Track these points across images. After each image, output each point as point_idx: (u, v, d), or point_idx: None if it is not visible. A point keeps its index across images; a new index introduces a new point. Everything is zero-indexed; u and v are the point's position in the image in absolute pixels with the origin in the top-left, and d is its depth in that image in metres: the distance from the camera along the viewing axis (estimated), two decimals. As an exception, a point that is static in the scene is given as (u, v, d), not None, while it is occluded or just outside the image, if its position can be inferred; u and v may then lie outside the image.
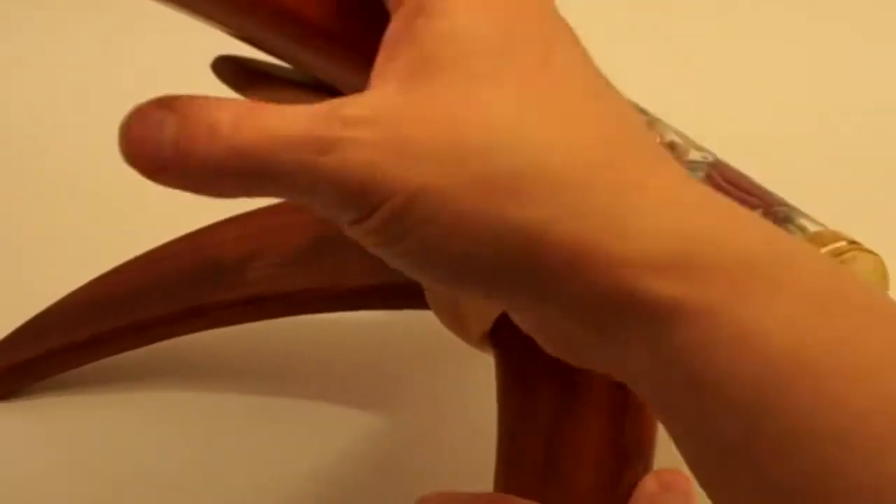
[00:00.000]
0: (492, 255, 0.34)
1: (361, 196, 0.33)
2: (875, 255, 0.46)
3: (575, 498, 0.48)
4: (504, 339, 0.53)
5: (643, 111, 0.51)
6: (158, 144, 0.33)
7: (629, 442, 0.48)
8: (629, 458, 0.48)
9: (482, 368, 0.52)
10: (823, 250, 0.45)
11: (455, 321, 0.54)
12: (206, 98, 0.33)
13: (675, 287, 0.33)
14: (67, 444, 0.60)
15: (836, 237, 0.46)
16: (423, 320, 0.55)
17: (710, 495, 0.35)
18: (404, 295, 0.57)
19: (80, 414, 0.61)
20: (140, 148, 0.33)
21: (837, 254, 0.45)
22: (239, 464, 0.59)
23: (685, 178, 0.35)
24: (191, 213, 0.56)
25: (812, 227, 0.46)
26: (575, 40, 0.36)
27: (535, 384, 0.51)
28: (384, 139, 0.33)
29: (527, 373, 0.52)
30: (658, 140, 0.50)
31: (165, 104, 0.33)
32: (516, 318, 0.40)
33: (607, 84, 0.36)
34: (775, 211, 0.47)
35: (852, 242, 0.46)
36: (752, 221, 0.34)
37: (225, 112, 0.33)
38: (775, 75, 0.80)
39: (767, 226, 0.35)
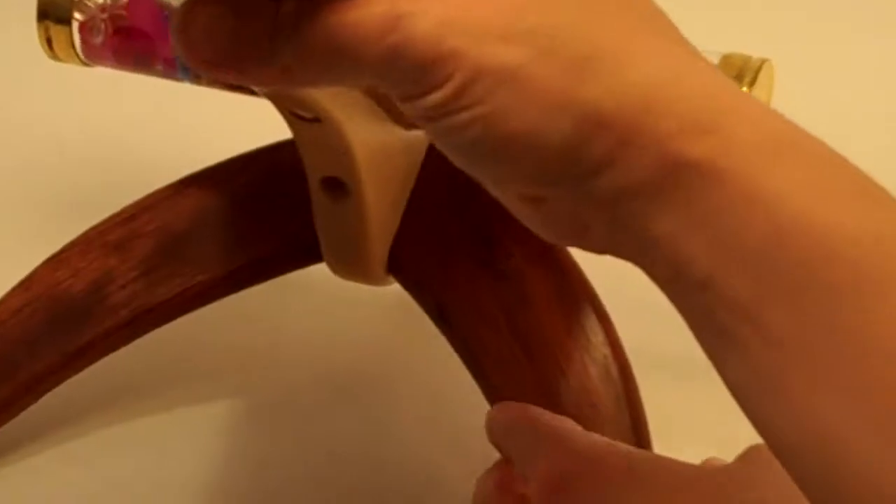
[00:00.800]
0: (549, 132, 0.35)
1: (430, 69, 0.35)
2: (767, 59, 0.54)
3: (557, 359, 0.53)
4: (405, 265, 0.57)
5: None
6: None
7: (576, 289, 0.55)
8: (579, 301, 0.55)
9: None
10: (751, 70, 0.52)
11: (353, 268, 0.57)
12: None
13: (714, 150, 0.35)
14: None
15: (744, 56, 0.53)
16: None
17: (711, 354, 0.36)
18: (274, 265, 0.60)
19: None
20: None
21: (756, 67, 0.52)
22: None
23: (704, 59, 0.39)
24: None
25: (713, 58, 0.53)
26: None
27: (465, 295, 0.56)
28: (451, 13, 0.35)
29: (452, 292, 0.56)
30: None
31: None
32: (526, 211, 0.41)
33: None
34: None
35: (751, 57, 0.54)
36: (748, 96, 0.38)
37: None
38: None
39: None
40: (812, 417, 0.33)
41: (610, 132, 0.35)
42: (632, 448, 0.48)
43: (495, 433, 0.50)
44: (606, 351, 0.55)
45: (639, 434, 0.54)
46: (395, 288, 0.60)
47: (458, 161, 0.38)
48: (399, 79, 0.36)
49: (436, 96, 0.35)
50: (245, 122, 0.65)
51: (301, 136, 0.51)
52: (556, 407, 0.53)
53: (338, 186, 0.53)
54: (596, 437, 0.48)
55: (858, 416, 0.33)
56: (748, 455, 0.47)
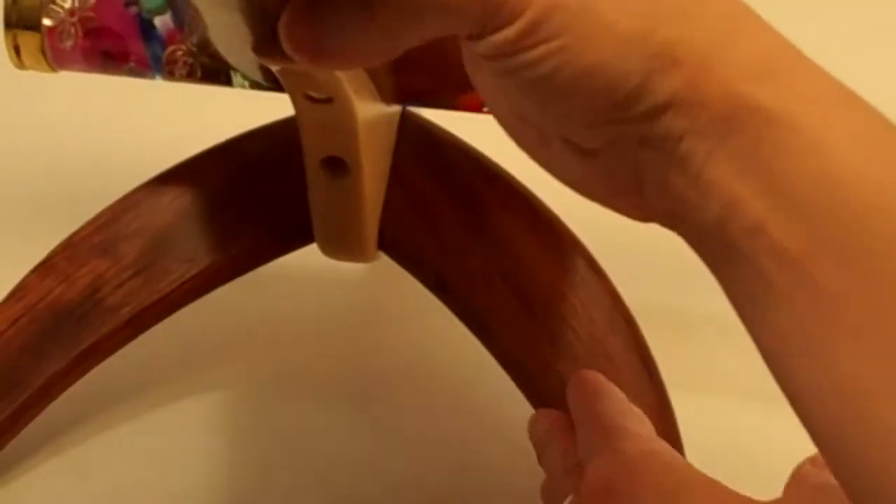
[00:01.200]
0: (621, 67, 0.36)
1: (506, 2, 0.35)
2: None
3: (561, 313, 0.55)
4: (397, 240, 0.58)
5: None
6: None
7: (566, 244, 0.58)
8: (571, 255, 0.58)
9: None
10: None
11: (347, 247, 0.58)
12: None
13: (782, 97, 0.35)
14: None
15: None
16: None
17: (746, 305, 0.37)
18: (262, 252, 0.60)
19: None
20: None
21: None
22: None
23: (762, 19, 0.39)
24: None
25: None
26: None
27: (460, 261, 0.58)
28: None
29: (447, 260, 0.58)
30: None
31: None
32: (579, 167, 0.41)
33: None
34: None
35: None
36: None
37: None
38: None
39: None
40: (852, 372, 0.34)
41: (680, 71, 0.36)
42: (684, 463, 0.49)
43: (535, 438, 0.52)
44: (608, 301, 0.57)
45: (654, 379, 0.56)
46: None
47: (525, 99, 0.39)
48: (476, 13, 0.36)
49: (510, 31, 0.36)
50: (206, 117, 0.67)
51: (308, 118, 0.52)
52: (571, 359, 0.56)
53: (338, 165, 0.54)
54: (649, 443, 0.49)
55: None
56: (794, 488, 0.48)
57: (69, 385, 0.59)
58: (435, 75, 0.53)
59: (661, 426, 0.55)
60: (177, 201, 0.60)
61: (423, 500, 0.60)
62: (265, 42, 0.39)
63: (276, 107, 0.58)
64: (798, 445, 0.57)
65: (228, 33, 0.52)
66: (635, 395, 0.55)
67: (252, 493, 0.60)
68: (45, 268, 0.60)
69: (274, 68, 0.47)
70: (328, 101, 0.50)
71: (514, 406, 0.57)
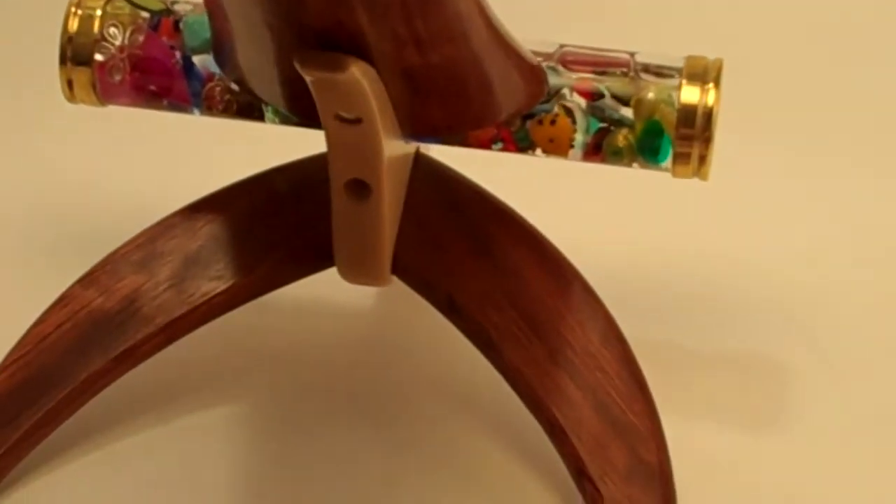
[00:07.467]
0: None
1: None
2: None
3: (560, 332, 0.61)
4: (410, 266, 0.64)
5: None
6: None
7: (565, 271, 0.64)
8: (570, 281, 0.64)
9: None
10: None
11: (365, 270, 0.64)
12: None
13: None
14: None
15: (705, 58, 0.61)
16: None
17: None
18: (286, 272, 0.66)
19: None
20: None
21: (718, 67, 0.60)
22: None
23: None
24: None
25: (678, 62, 0.61)
26: None
27: (470, 286, 0.63)
28: None
29: (458, 285, 0.64)
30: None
31: None
32: None
33: None
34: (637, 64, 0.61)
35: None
36: None
37: None
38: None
39: None
40: None
41: None
42: None
43: None
44: (602, 322, 0.63)
45: (643, 388, 0.61)
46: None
47: None
48: None
49: None
50: (228, 155, 0.75)
51: (337, 139, 0.57)
52: (571, 374, 0.61)
53: (362, 188, 0.60)
54: None
55: None
56: None
57: (107, 385, 0.64)
58: (452, 107, 0.59)
59: (650, 430, 0.61)
60: (208, 226, 0.66)
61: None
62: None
63: (301, 145, 0.65)
64: (787, 471, 0.64)
65: (261, 63, 0.58)
66: (626, 403, 0.61)
67: (269, 491, 0.65)
68: (87, 280, 0.65)
69: (309, 80, 0.52)
70: (357, 121, 0.56)
71: (520, 413, 0.62)
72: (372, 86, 0.54)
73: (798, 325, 0.72)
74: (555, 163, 0.63)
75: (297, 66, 0.51)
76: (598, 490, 0.60)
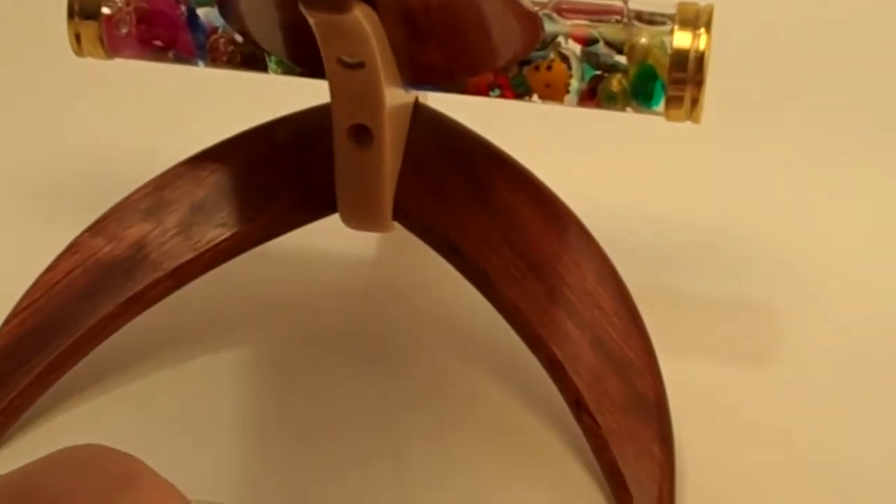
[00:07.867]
0: None
1: None
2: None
3: (557, 271, 0.62)
4: (411, 211, 0.66)
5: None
6: None
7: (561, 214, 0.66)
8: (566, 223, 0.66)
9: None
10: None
11: (367, 215, 0.65)
12: None
13: None
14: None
15: (693, 3, 0.63)
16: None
17: None
18: (291, 218, 0.68)
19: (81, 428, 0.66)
20: None
21: (709, 12, 0.62)
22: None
23: None
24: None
25: (670, 9, 0.62)
26: None
27: (469, 229, 0.65)
28: None
29: (457, 229, 0.65)
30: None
31: None
32: None
33: None
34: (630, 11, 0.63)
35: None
36: None
37: None
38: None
39: None
40: None
41: None
42: None
43: None
44: (597, 260, 0.65)
45: (638, 323, 0.63)
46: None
47: None
48: None
49: None
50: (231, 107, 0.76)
51: (340, 85, 0.59)
52: (569, 312, 0.63)
53: (364, 134, 0.61)
54: None
55: None
56: None
57: (116, 329, 0.66)
58: (450, 52, 0.61)
59: (646, 364, 0.63)
60: (213, 175, 0.68)
61: (433, 447, 0.67)
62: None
63: (302, 98, 0.67)
64: (780, 404, 0.66)
65: (264, 9, 0.60)
66: (623, 338, 0.63)
67: (271, 430, 0.68)
68: (96, 228, 0.67)
69: (313, 22, 0.54)
70: (360, 66, 0.57)
71: (518, 353, 0.65)
72: (373, 28, 0.55)
73: (788, 270, 0.74)
74: (554, 114, 0.65)
75: (302, 8, 0.53)
76: (595, 422, 0.62)
